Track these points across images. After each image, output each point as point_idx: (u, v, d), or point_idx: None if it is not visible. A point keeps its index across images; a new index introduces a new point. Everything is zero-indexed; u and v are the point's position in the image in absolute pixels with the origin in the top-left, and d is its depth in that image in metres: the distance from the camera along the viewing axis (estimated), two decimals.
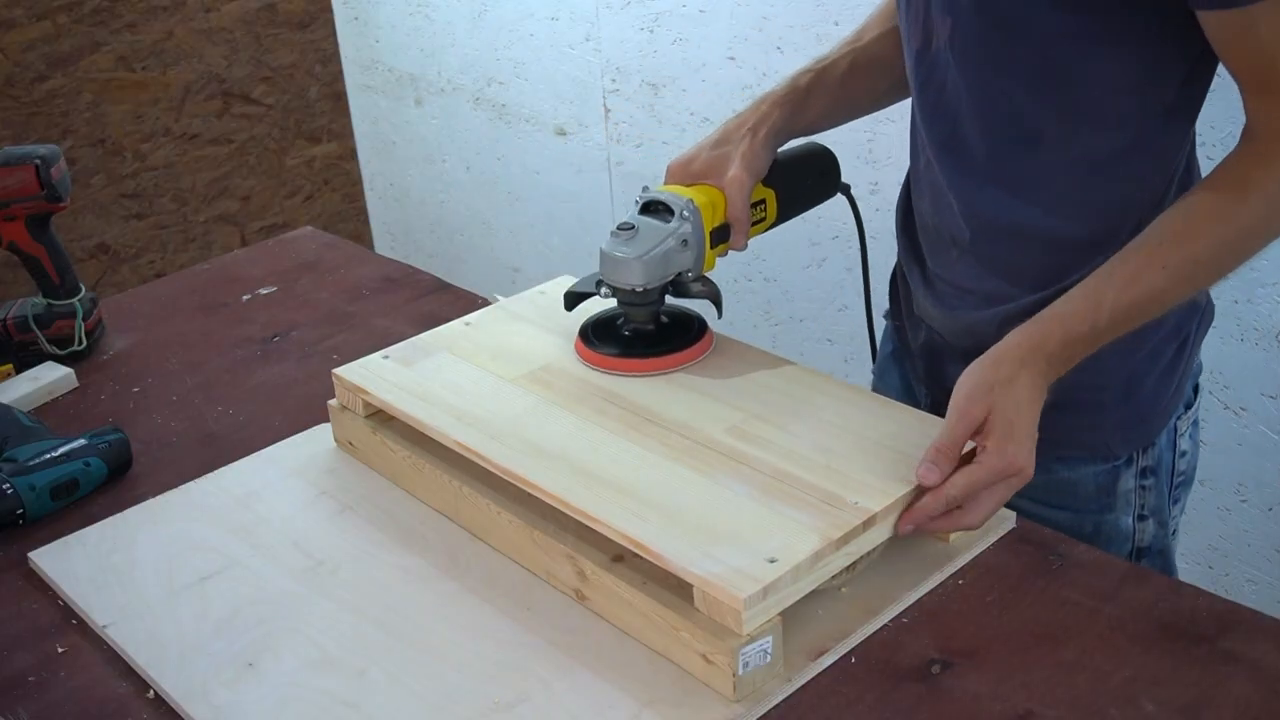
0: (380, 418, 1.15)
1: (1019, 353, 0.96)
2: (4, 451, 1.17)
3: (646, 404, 1.08)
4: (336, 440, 1.21)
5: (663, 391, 1.10)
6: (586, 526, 0.95)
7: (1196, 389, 1.16)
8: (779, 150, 1.18)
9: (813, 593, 0.92)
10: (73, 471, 1.14)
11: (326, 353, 1.41)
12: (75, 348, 1.43)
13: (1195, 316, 1.13)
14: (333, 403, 1.19)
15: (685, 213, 1.10)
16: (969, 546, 1.00)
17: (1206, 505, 1.77)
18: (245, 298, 1.56)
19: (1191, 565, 1.82)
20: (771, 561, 0.86)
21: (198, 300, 1.57)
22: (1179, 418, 1.14)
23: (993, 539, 1.01)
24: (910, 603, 0.95)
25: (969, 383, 0.96)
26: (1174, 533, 1.19)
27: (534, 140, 2.57)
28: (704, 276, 1.14)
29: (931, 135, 1.09)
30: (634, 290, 1.11)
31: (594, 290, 1.15)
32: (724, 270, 2.29)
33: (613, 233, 1.11)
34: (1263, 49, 0.91)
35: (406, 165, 2.95)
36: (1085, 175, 1.03)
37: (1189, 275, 0.96)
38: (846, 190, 1.29)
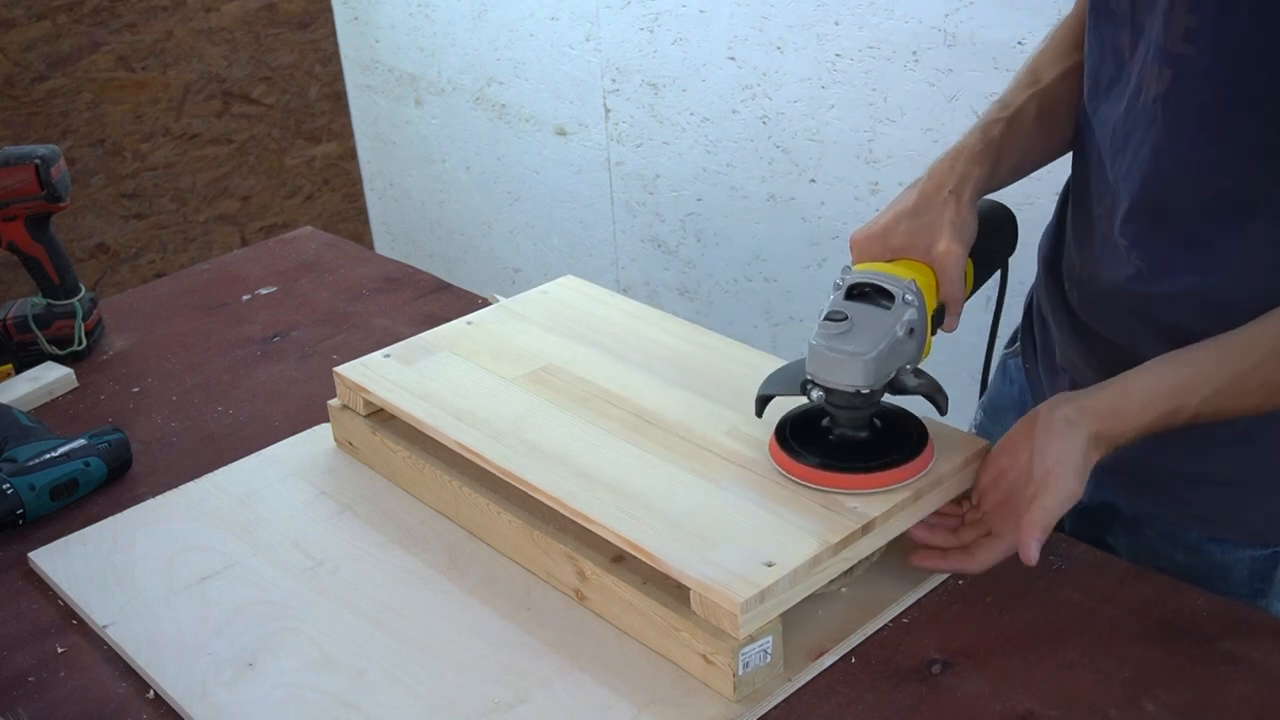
0: (380, 417, 1.15)
1: (1076, 416, 0.91)
2: (4, 451, 1.17)
3: (647, 406, 1.08)
4: (336, 440, 1.20)
5: (663, 393, 1.10)
6: (586, 527, 0.95)
7: None
8: None
9: (812, 594, 0.92)
10: (72, 471, 1.14)
11: (326, 353, 1.41)
12: (75, 348, 1.43)
13: None
14: (333, 403, 1.19)
15: (909, 297, 0.94)
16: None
17: None
18: (245, 298, 1.56)
19: None
20: (769, 565, 0.86)
21: (198, 300, 1.57)
22: None
23: None
24: (910, 603, 0.95)
25: (1007, 439, 0.94)
26: None
27: (534, 140, 2.57)
28: (920, 368, 0.98)
29: (1123, 192, 0.98)
30: (855, 392, 0.94)
31: (796, 391, 0.97)
32: (724, 269, 2.30)
33: (821, 324, 0.94)
34: None
35: (406, 165, 2.95)
36: None
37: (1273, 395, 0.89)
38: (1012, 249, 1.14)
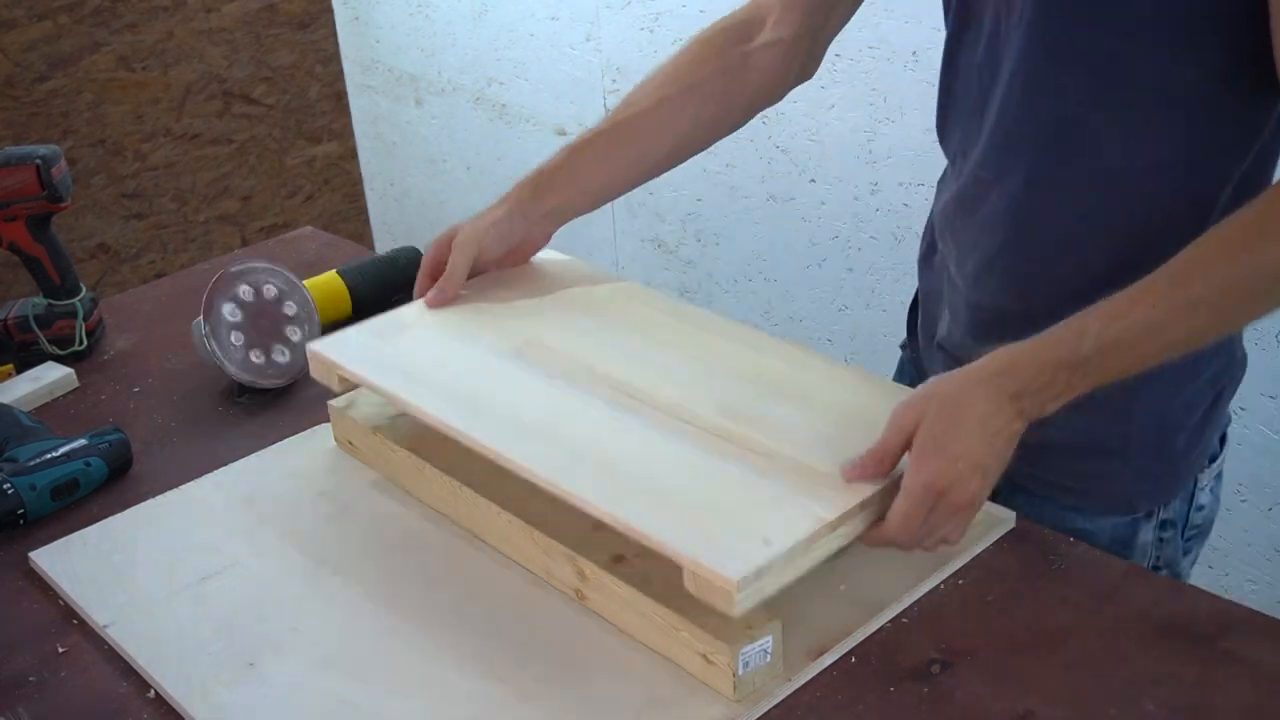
0: (379, 417, 1.15)
1: (980, 373, 0.89)
2: (4, 451, 1.17)
3: (636, 382, 1.04)
4: (336, 440, 1.20)
5: (654, 369, 1.06)
6: (587, 527, 0.95)
7: (1224, 440, 1.11)
8: None
9: (812, 593, 0.92)
10: (73, 471, 1.14)
11: None
12: (76, 348, 1.43)
13: (1231, 368, 1.07)
14: (333, 403, 1.19)
15: None
16: (969, 546, 1.00)
17: None
18: None
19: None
20: (766, 543, 0.84)
21: (197, 300, 1.57)
22: (1202, 471, 1.09)
23: (993, 539, 1.01)
24: (910, 603, 0.95)
25: (914, 391, 0.91)
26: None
27: (534, 140, 2.57)
28: None
29: (968, 136, 1.04)
30: None
31: None
32: (724, 269, 2.30)
33: None
34: None
35: (407, 165, 2.95)
36: (1137, 182, 0.97)
37: (1187, 315, 0.88)
38: None
